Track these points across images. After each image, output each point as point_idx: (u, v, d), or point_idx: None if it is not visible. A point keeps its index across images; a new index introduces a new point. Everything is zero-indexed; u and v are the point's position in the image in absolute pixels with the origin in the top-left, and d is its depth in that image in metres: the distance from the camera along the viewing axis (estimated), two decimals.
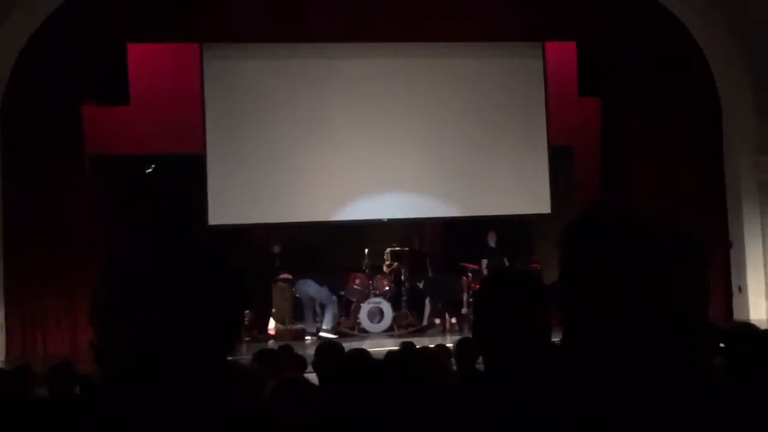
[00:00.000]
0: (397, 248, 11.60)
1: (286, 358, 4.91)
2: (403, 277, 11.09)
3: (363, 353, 3.91)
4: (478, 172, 11.04)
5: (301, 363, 5.21)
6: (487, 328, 1.73)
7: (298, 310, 10.94)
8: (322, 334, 9.87)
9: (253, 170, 10.66)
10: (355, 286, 10.60)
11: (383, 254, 11.43)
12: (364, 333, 10.22)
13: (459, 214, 11.09)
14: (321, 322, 10.21)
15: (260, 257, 10.90)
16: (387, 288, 10.67)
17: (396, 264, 11.34)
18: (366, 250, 10.93)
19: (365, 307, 10.28)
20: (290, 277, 11.05)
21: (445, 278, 10.71)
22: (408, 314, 11.00)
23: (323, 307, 10.26)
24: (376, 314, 10.33)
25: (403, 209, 10.97)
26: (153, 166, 11.81)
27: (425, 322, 10.77)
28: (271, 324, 10.98)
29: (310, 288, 10.11)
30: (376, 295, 10.48)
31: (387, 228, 12.13)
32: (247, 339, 9.91)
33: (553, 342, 1.72)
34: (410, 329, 10.50)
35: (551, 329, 1.72)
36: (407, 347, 5.51)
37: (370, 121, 10.91)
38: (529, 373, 1.60)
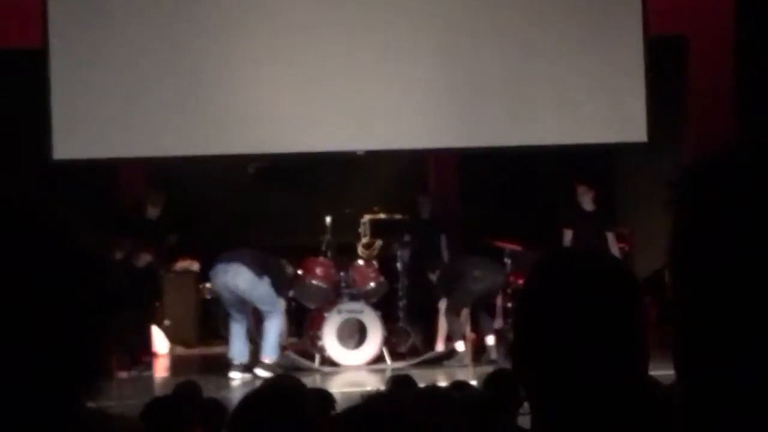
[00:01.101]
0: (383, 215, 11.58)
1: (191, 409, 4.92)
2: (399, 265, 11.04)
3: (324, 398, 3.91)
4: (526, 78, 11.03)
5: (217, 414, 5.23)
6: (538, 355, 1.73)
7: (213, 321, 10.98)
8: (258, 369, 9.85)
9: (128, 72, 10.63)
10: (314, 282, 10.54)
11: (357, 225, 11.42)
12: (332, 366, 10.12)
13: (494, 144, 11.12)
14: (259, 344, 10.21)
15: (136, 222, 10.89)
16: (372, 284, 10.58)
17: (380, 243, 11.30)
18: (327, 218, 10.93)
19: (333, 320, 10.19)
20: (196, 264, 11.05)
21: (479, 263, 10.61)
22: (409, 331, 10.97)
23: (262, 316, 10.26)
24: (353, 332, 10.23)
25: (393, 138, 10.98)
26: None
27: (440, 346, 10.62)
28: (163, 345, 10.99)
29: (241, 282, 9.92)
30: (352, 298, 10.41)
31: (364, 173, 12.09)
32: (122, 373, 9.91)
33: (654, 379, 1.73)
34: (413, 359, 10.40)
35: (648, 356, 1.73)
36: (400, 385, 5.54)
37: None
38: None
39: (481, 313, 10.60)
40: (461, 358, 10.28)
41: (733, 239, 1.21)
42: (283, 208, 11.91)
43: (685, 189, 1.27)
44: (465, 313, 10.58)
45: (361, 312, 10.22)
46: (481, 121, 11.05)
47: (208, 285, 10.89)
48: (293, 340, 10.71)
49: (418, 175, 12.60)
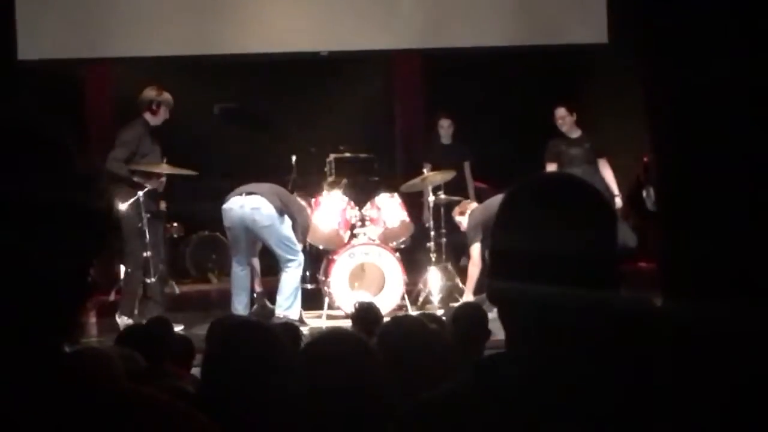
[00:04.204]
0: (348, 154, 11.05)
1: (162, 343, 4.92)
2: (429, 201, 10.02)
3: (291, 331, 3.92)
4: None
5: (187, 350, 5.28)
6: (512, 270, 1.72)
7: (181, 261, 10.76)
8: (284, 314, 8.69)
9: None
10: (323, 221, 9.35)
11: (323, 164, 10.60)
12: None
13: (456, 45, 11.08)
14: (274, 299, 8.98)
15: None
16: (395, 224, 9.53)
17: (345, 181, 10.09)
18: (293, 158, 10.22)
19: (344, 264, 9.08)
20: (163, 203, 10.40)
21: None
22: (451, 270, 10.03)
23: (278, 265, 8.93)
24: (373, 279, 9.24)
25: (356, 39, 10.82)
26: None
27: (469, 295, 9.39)
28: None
29: (261, 218, 8.65)
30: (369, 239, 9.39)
31: (329, 112, 11.84)
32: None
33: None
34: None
35: (621, 277, 1.73)
36: (366, 312, 5.56)
37: None
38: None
39: None
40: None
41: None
42: (246, 149, 11.67)
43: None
44: None
45: (377, 256, 9.15)
46: (443, 21, 11.03)
47: (175, 224, 10.75)
48: (308, 287, 9.75)
49: (384, 111, 12.34)
